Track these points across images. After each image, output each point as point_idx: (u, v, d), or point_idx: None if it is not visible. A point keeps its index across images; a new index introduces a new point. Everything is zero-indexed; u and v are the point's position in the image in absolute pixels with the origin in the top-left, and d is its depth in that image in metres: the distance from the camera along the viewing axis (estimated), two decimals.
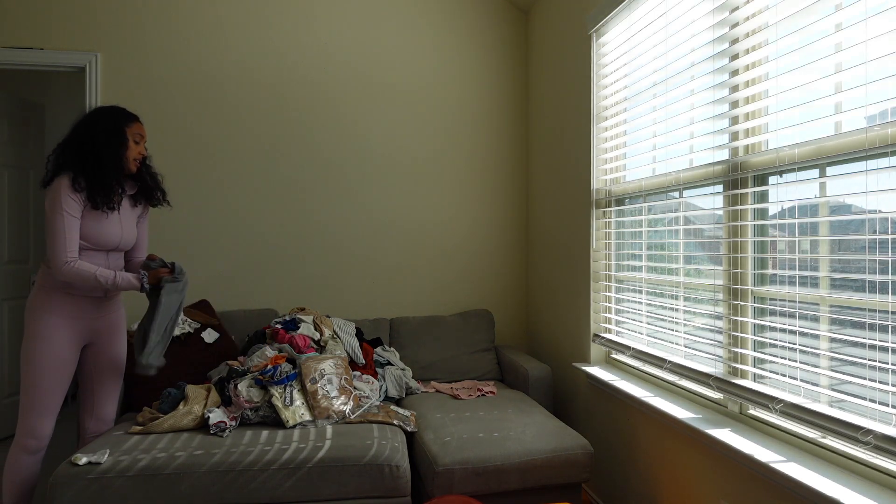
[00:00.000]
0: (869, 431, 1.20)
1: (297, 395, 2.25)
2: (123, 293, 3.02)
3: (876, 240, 1.26)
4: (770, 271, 1.57)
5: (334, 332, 2.74)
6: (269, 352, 2.44)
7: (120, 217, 2.06)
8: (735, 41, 1.66)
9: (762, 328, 1.62)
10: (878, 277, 1.25)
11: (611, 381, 2.20)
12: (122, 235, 2.07)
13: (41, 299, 1.94)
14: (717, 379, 1.70)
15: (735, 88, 1.67)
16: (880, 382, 1.24)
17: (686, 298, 1.94)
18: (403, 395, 2.67)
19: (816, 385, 1.42)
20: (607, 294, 2.47)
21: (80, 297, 2.00)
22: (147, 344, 2.03)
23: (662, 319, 2.07)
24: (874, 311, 1.26)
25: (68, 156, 1.94)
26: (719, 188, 1.76)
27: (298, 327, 2.65)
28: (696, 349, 1.88)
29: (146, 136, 2.09)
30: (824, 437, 1.41)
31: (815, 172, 1.41)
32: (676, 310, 1.99)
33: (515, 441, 2.06)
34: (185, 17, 3.08)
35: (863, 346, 1.29)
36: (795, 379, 1.48)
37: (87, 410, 2.14)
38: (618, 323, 2.40)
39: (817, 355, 1.42)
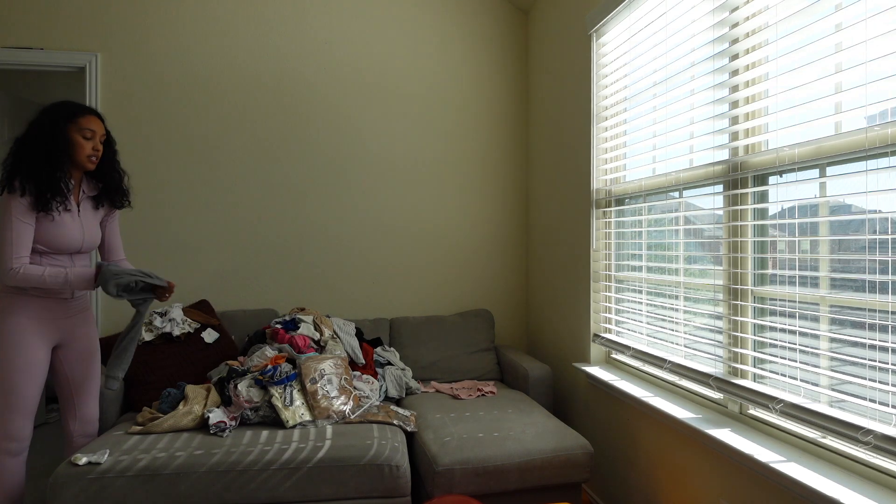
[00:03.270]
0: (869, 431, 1.21)
1: (297, 396, 2.25)
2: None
3: (876, 240, 1.26)
4: (770, 271, 1.57)
5: (334, 332, 2.74)
6: (269, 352, 2.44)
7: (80, 219, 2.00)
8: (735, 41, 1.66)
9: (762, 328, 1.62)
10: (878, 277, 1.25)
11: (611, 381, 2.20)
12: (84, 238, 2.01)
13: (7, 303, 1.89)
14: (717, 379, 1.70)
15: (735, 88, 1.67)
16: (880, 382, 1.24)
17: (686, 298, 1.94)
18: (403, 395, 2.67)
19: (816, 385, 1.42)
20: (607, 294, 2.47)
21: (46, 298, 1.95)
22: (125, 355, 2.01)
23: (662, 319, 2.07)
24: (874, 311, 1.26)
25: (17, 157, 1.88)
26: (719, 188, 1.76)
27: (298, 327, 2.65)
28: (696, 349, 1.88)
29: (101, 130, 1.98)
30: (824, 437, 1.41)
31: (815, 172, 1.41)
32: (676, 310, 1.99)
33: (515, 441, 2.06)
34: (185, 17, 3.08)
35: (863, 346, 1.29)
36: (795, 379, 1.48)
37: (70, 413, 2.10)
38: (618, 323, 2.40)
39: (817, 355, 1.42)
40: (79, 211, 2.00)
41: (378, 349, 2.88)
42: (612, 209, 2.43)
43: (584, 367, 2.45)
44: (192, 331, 2.64)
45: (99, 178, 2.07)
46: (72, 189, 1.98)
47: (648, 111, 2.11)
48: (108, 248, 2.17)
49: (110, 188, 2.08)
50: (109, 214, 2.15)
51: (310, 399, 2.25)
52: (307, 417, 2.20)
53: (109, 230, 2.16)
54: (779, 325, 1.53)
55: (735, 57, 1.66)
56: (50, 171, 1.87)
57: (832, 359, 1.38)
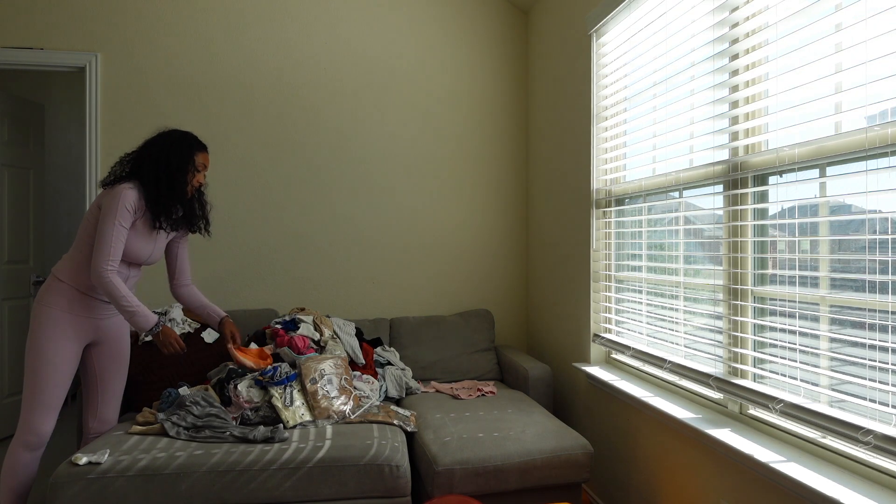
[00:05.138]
0: (869, 431, 1.20)
1: (297, 396, 2.24)
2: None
3: (876, 240, 1.26)
4: (770, 271, 1.57)
5: (334, 332, 2.74)
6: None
7: (155, 236, 2.09)
8: (735, 41, 1.66)
9: (762, 328, 1.62)
10: (878, 277, 1.25)
11: (611, 381, 2.20)
12: (152, 254, 2.11)
13: (55, 294, 1.94)
14: (717, 379, 1.70)
15: (735, 88, 1.67)
16: (880, 382, 1.24)
17: (686, 298, 1.94)
18: (403, 395, 2.67)
19: (816, 385, 1.42)
20: (607, 294, 2.47)
21: (93, 298, 2.01)
22: None
23: (662, 319, 2.07)
24: (874, 311, 1.26)
25: (140, 169, 2.00)
26: (719, 188, 1.76)
27: (298, 327, 2.65)
28: (696, 349, 1.88)
29: (209, 165, 2.16)
30: (824, 437, 1.41)
31: (815, 172, 1.41)
32: (676, 310, 1.99)
33: (515, 441, 2.06)
34: (185, 17, 3.08)
35: (863, 346, 1.29)
36: (795, 379, 1.48)
37: (91, 411, 2.13)
38: (618, 323, 2.40)
39: (817, 355, 1.42)
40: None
41: (378, 349, 2.88)
42: (612, 209, 2.43)
43: (584, 367, 2.45)
44: (192, 331, 2.64)
45: (186, 203, 2.15)
46: None
47: (648, 111, 2.11)
48: (179, 270, 2.25)
49: (192, 214, 2.16)
50: (182, 237, 2.24)
51: (310, 399, 2.25)
52: (307, 417, 2.20)
53: (180, 253, 2.24)
54: (779, 325, 1.53)
55: (735, 57, 1.66)
56: (176, 195, 2.02)
57: (832, 359, 1.38)
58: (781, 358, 1.52)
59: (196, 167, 2.08)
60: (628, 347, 2.19)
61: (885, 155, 1.22)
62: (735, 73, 1.67)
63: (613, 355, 2.46)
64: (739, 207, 1.66)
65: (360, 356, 2.68)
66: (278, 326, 2.65)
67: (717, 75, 1.72)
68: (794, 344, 1.48)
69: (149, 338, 2.53)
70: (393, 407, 2.42)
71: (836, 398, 1.37)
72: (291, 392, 2.24)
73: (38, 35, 2.97)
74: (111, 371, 2.14)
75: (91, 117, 2.98)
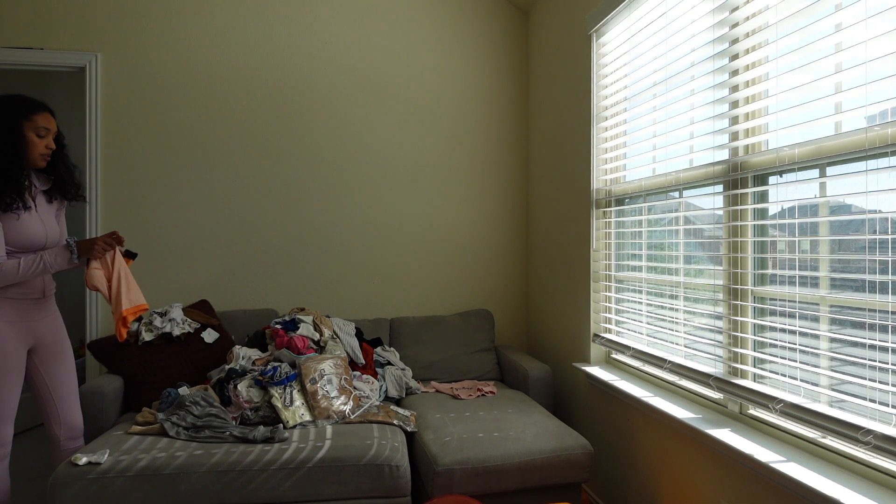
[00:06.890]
0: (869, 431, 1.20)
1: (296, 396, 2.25)
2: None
3: (876, 240, 1.26)
4: (770, 271, 1.57)
5: (334, 332, 2.74)
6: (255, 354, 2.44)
7: (39, 215, 1.93)
8: (735, 41, 1.66)
9: (762, 328, 1.62)
10: (878, 277, 1.25)
11: (611, 381, 2.20)
12: (47, 233, 1.96)
13: None
14: (717, 379, 1.70)
15: (735, 88, 1.67)
16: (880, 382, 1.24)
17: (686, 298, 1.94)
18: (403, 395, 2.67)
19: (816, 385, 1.42)
20: (607, 294, 2.47)
21: (19, 300, 1.90)
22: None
23: (662, 319, 2.07)
24: (874, 311, 1.26)
25: None
26: (719, 188, 1.76)
27: (298, 327, 2.65)
28: (696, 349, 1.88)
29: (54, 128, 1.93)
30: (824, 437, 1.41)
31: (815, 172, 1.41)
32: (676, 310, 1.99)
33: (515, 441, 2.06)
34: (185, 17, 3.08)
35: (863, 346, 1.29)
36: (795, 379, 1.48)
37: (53, 418, 2.03)
38: (618, 323, 2.40)
39: (817, 355, 1.42)
40: (35, 207, 1.93)
41: (378, 349, 2.88)
42: (612, 209, 2.43)
43: (584, 367, 2.45)
44: (192, 331, 2.64)
45: (49, 173, 2.00)
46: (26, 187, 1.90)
47: (648, 111, 2.11)
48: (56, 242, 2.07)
49: (61, 182, 2.01)
50: (61, 207, 2.08)
51: (310, 399, 2.25)
52: (307, 418, 2.20)
53: (59, 224, 2.07)
54: (779, 325, 1.53)
55: (735, 57, 1.66)
56: (11, 172, 1.81)
57: (832, 359, 1.38)
58: (781, 358, 1.52)
59: (35, 133, 1.85)
60: (628, 347, 2.19)
61: (885, 155, 1.22)
62: (735, 73, 1.67)
63: (613, 355, 2.46)
64: (739, 207, 1.66)
65: (360, 356, 2.68)
66: (278, 326, 2.65)
67: (717, 75, 1.72)
68: (794, 344, 1.48)
69: (149, 337, 2.53)
70: (393, 407, 2.42)
71: (836, 398, 1.37)
72: (291, 392, 2.24)
73: (38, 35, 2.97)
74: (58, 375, 2.04)
75: (91, 117, 2.98)
